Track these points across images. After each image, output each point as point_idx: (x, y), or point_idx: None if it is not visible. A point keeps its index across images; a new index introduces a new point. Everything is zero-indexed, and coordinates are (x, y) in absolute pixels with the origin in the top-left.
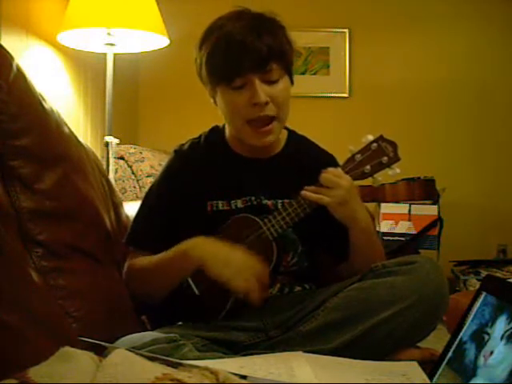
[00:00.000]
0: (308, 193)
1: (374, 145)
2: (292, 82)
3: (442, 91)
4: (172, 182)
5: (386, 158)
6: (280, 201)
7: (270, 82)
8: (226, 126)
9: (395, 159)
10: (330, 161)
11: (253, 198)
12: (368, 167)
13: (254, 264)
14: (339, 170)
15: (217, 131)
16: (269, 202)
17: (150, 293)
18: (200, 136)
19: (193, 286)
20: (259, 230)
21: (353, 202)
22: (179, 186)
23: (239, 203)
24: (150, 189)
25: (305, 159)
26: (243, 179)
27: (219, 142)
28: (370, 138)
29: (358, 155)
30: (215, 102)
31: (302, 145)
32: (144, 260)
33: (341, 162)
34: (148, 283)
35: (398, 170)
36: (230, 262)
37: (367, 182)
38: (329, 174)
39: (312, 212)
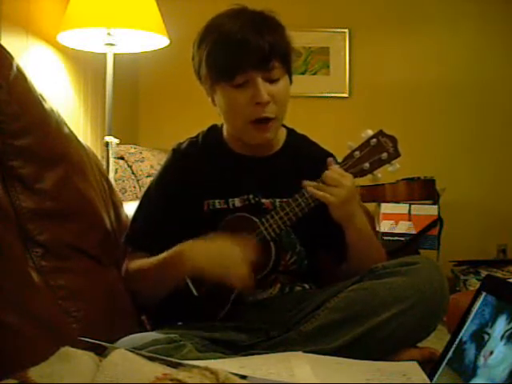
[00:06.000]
0: (313, 189)
1: (374, 140)
2: (291, 81)
3: (442, 91)
4: (170, 181)
5: (385, 154)
6: (278, 200)
7: (272, 81)
8: (224, 125)
9: (395, 155)
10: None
11: (251, 197)
12: (367, 164)
13: (245, 254)
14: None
15: (215, 130)
16: (267, 201)
17: (148, 294)
18: (198, 135)
19: (191, 286)
20: (257, 230)
21: (353, 202)
22: (177, 185)
23: (237, 202)
24: (148, 188)
25: (304, 158)
26: (241, 178)
27: (217, 141)
28: (370, 132)
29: (357, 152)
30: (213, 101)
31: (301, 143)
32: (141, 262)
33: (340, 159)
34: (145, 285)
35: (398, 166)
36: (221, 261)
37: (367, 180)
38: (333, 173)
39: (310, 211)
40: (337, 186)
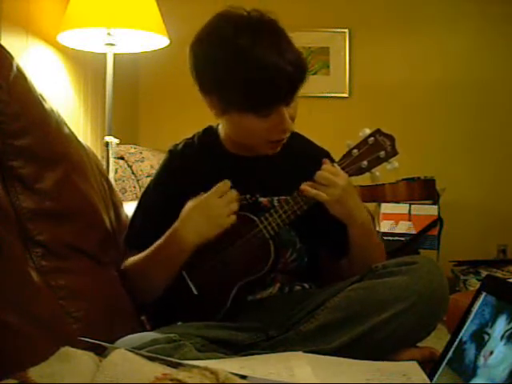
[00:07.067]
0: (307, 188)
1: (371, 139)
2: None
3: (442, 91)
4: (167, 182)
5: (383, 153)
6: (276, 198)
7: (289, 103)
8: (221, 127)
9: (393, 153)
10: (325, 157)
11: (248, 197)
12: (365, 162)
13: (217, 201)
14: (336, 166)
15: (211, 131)
16: (264, 200)
17: (148, 287)
18: (194, 136)
19: (191, 285)
20: (256, 228)
21: (350, 199)
22: (174, 186)
23: None
24: (146, 189)
25: (300, 156)
26: (238, 178)
27: (214, 142)
28: (367, 131)
29: (355, 150)
30: (220, 116)
31: (296, 142)
32: (138, 256)
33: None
34: (145, 276)
35: (396, 164)
36: (208, 216)
37: (367, 180)
38: (325, 172)
39: (309, 209)
40: (329, 184)
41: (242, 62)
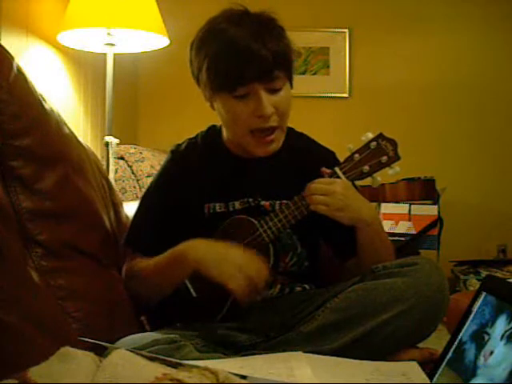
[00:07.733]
0: (309, 199)
1: (374, 143)
2: (292, 86)
3: (442, 91)
4: (169, 184)
5: (385, 158)
6: (278, 202)
7: (274, 91)
8: (223, 128)
9: (395, 158)
10: (329, 158)
11: (250, 200)
12: (367, 167)
13: (251, 262)
14: (337, 171)
15: (214, 131)
16: (266, 203)
17: (149, 295)
18: (197, 136)
19: (190, 287)
20: (256, 231)
21: (352, 203)
22: (176, 188)
23: (237, 205)
24: (148, 190)
25: (304, 157)
26: (241, 180)
27: (216, 143)
28: (370, 135)
29: (357, 154)
30: (212, 106)
31: (300, 143)
32: (142, 263)
33: (340, 161)
34: (146, 286)
35: (398, 169)
36: (225, 262)
37: (367, 181)
38: (317, 184)
39: (309, 214)
40: (327, 195)
41: (217, 40)
